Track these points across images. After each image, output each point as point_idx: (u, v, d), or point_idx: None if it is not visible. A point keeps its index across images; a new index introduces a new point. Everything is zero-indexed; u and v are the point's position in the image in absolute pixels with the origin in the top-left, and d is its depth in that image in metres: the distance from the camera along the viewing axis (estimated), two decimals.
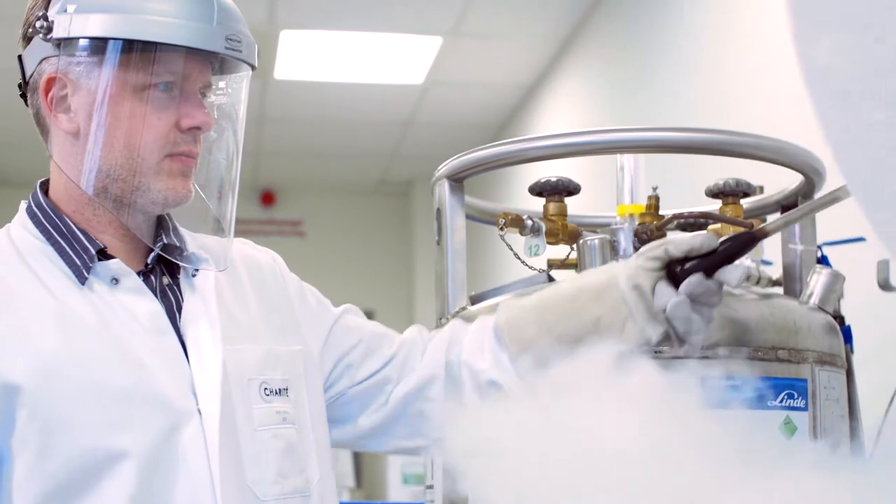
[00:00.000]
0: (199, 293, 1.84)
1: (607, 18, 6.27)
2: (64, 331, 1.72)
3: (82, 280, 1.76)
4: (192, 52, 1.75)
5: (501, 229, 2.30)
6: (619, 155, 2.35)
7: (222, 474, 1.73)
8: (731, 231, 2.39)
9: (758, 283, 2.59)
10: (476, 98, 7.86)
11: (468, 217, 2.39)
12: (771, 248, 2.62)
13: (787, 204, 2.53)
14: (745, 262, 2.56)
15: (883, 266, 3.01)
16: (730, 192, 2.41)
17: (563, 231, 2.32)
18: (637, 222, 2.28)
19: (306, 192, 10.10)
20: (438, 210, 2.37)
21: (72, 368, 1.70)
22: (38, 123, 1.84)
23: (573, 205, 2.38)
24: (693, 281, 1.86)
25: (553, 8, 6.40)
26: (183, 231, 1.91)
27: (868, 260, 3.07)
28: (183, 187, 1.80)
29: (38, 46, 1.78)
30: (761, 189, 2.62)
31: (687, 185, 2.82)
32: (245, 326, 1.87)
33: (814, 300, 2.25)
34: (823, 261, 2.54)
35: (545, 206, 2.34)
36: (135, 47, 1.73)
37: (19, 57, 1.82)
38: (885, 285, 3.01)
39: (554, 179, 2.33)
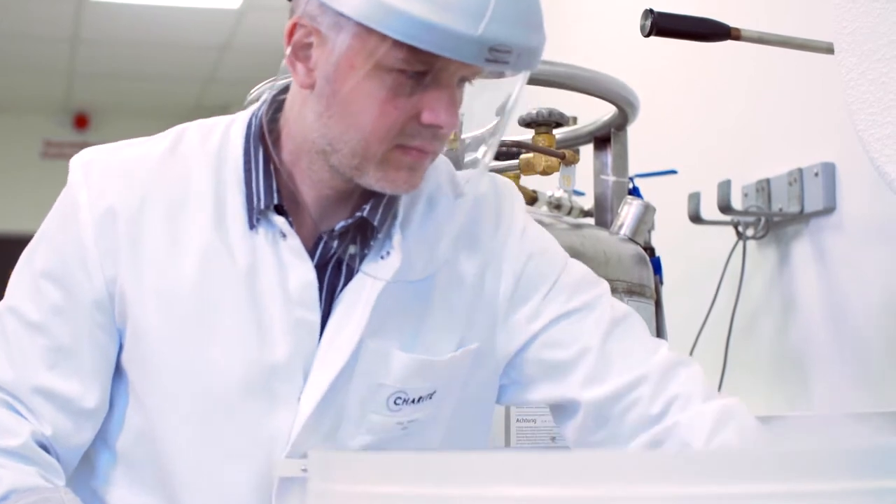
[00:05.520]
0: (376, 269, 1.63)
1: None
2: (204, 269, 1.60)
3: (251, 224, 1.62)
4: None
5: None
6: None
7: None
8: (543, 161, 2.39)
9: (569, 213, 2.60)
10: None
11: None
12: (583, 178, 2.63)
13: (599, 135, 2.54)
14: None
15: (694, 199, 3.05)
16: (543, 122, 2.43)
17: None
18: (446, 148, 2.26)
19: (120, 115, 9.89)
20: None
21: (190, 312, 1.60)
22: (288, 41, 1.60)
23: None
24: None
25: None
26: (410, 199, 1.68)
27: (679, 193, 3.11)
28: (405, 181, 1.57)
29: None
30: (575, 120, 2.63)
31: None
32: (405, 323, 1.66)
33: (624, 231, 2.26)
34: (635, 192, 2.56)
35: None
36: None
37: None
38: (695, 218, 3.05)
39: None
